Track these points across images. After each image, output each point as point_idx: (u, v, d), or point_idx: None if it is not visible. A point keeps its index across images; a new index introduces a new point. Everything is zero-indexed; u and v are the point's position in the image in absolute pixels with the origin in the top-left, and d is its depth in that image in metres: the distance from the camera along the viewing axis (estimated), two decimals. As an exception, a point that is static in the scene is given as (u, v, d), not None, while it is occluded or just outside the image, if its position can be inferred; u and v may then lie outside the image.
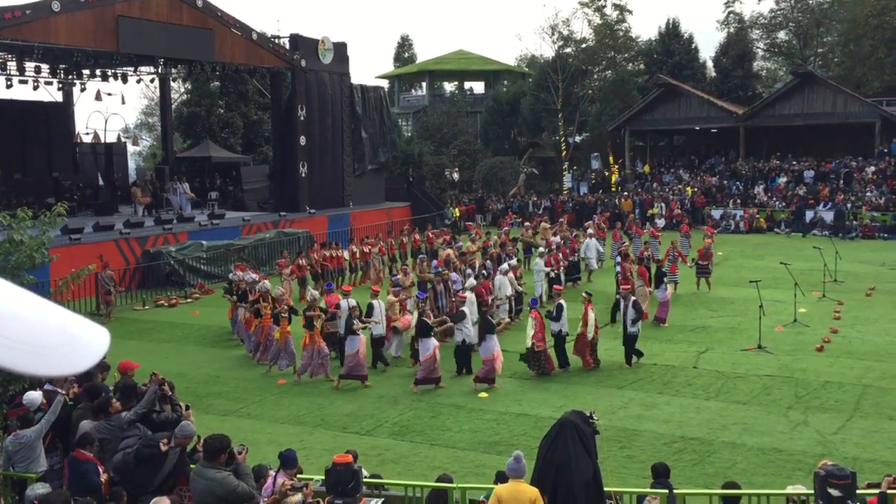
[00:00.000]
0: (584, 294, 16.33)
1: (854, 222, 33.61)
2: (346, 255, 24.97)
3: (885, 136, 39.71)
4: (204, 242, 26.06)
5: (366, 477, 8.52)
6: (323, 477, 8.06)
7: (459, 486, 8.46)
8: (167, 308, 22.89)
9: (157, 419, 8.92)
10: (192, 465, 7.70)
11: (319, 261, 23.81)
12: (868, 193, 35.27)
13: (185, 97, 45.89)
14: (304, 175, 32.53)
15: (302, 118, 32.19)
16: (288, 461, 7.92)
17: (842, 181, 37.45)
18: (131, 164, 44.29)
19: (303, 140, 32.32)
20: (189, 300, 23.80)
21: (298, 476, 8.73)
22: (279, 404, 14.20)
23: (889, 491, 7.39)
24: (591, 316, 15.30)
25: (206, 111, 41.06)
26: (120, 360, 10.55)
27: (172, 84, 41.24)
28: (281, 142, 33.26)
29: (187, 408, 10.10)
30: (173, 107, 41.46)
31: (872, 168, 37.68)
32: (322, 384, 15.25)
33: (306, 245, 27.37)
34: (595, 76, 49.91)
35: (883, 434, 11.57)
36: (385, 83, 61.01)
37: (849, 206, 34.75)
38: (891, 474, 7.73)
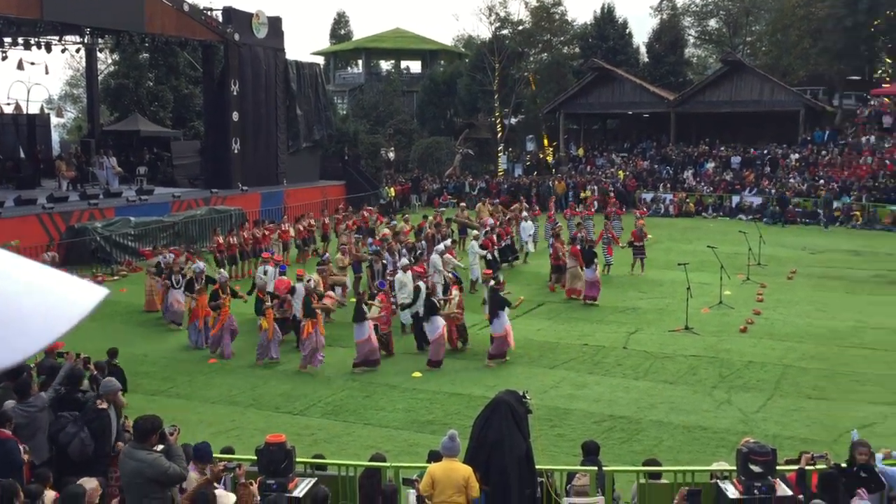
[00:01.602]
0: (450, 275, 16.48)
1: (777, 208, 34.66)
2: (275, 234, 24.61)
3: (808, 124, 41.02)
4: (132, 219, 25.38)
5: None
6: (255, 457, 8.01)
7: (393, 465, 8.50)
8: (93, 286, 22.25)
9: (82, 399, 8.69)
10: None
11: (249, 239, 23.48)
12: (791, 180, 36.40)
13: (112, 68, 44.44)
14: (236, 151, 31.92)
15: (235, 93, 31.55)
16: (201, 455, 7.78)
17: (767, 167, 38.57)
18: (55, 137, 42.77)
19: (235, 116, 31.69)
20: (116, 278, 23.18)
21: (230, 457, 8.65)
22: (210, 384, 14.00)
23: (807, 467, 7.70)
24: (456, 299, 15.42)
25: (135, 83, 39.89)
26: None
27: (99, 55, 39.83)
28: (213, 117, 32.56)
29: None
30: (100, 78, 40.12)
31: (796, 155, 38.88)
32: (254, 365, 15.07)
33: (237, 223, 26.91)
34: (531, 58, 50.15)
35: (801, 413, 12.02)
36: (320, 60, 60.16)
37: (773, 191, 35.82)
38: (809, 451, 8.06)
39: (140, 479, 6.27)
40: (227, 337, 15.59)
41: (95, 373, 9.36)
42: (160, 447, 6.65)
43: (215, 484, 6.61)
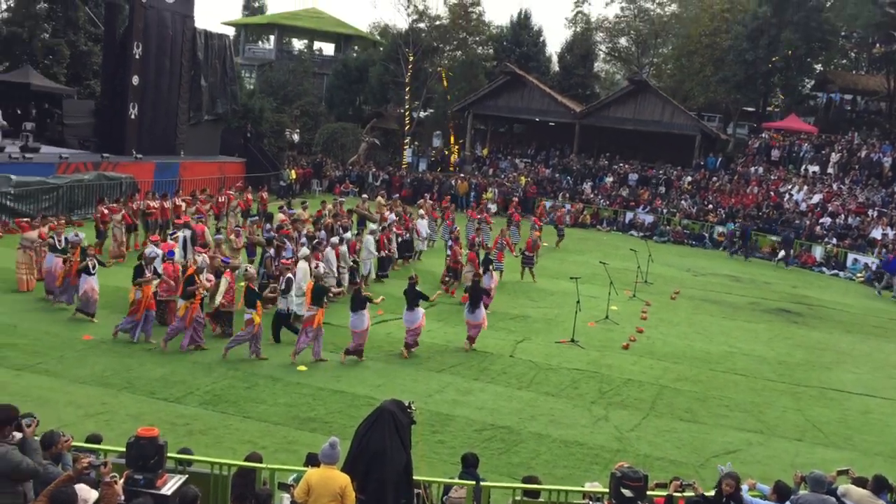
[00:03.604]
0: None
1: (667, 227, 35.93)
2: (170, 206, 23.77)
3: (703, 149, 42.68)
4: (12, 177, 23.93)
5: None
6: (123, 449, 7.66)
7: (268, 466, 8.30)
8: (-37, 245, 20.95)
9: None
10: None
11: (139, 211, 22.56)
12: (683, 202, 37.76)
13: (5, 15, 41.83)
14: (133, 117, 30.67)
15: (137, 56, 30.27)
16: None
17: (661, 187, 39.89)
18: (-65, 79, 39.98)
19: (136, 80, 30.42)
20: (-11, 238, 21.91)
21: (96, 447, 8.25)
22: (82, 362, 13.35)
23: (675, 494, 7.95)
24: (224, 286, 15.42)
25: (29, 34, 37.67)
26: None
27: (-8, -2, 37.54)
28: (111, 78, 31.10)
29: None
30: (-9, 23, 37.77)
31: (689, 178, 40.38)
32: (131, 344, 14.48)
33: (127, 192, 25.82)
34: (445, 55, 50.24)
35: (673, 434, 12.44)
36: (231, 31, 58.53)
37: (664, 211, 37.10)
38: (678, 477, 8.31)
39: (-10, 473, 5.89)
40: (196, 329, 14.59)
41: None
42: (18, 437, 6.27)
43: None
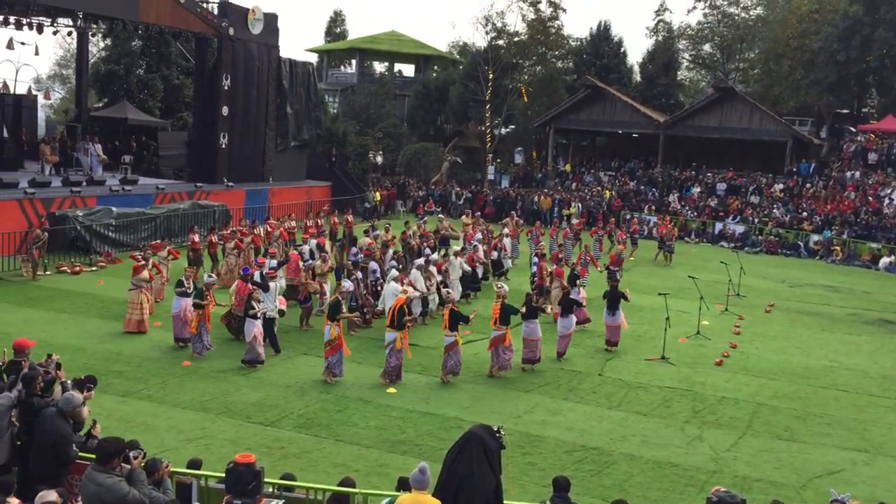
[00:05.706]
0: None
1: (759, 237, 34.90)
2: (261, 232, 24.43)
3: (795, 155, 41.35)
4: (114, 209, 25.14)
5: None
6: (223, 474, 7.92)
7: (361, 491, 8.42)
8: (69, 275, 22.03)
9: (37, 404, 8.46)
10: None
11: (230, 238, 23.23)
12: (775, 210, 36.64)
13: (103, 53, 44.06)
14: (224, 146, 31.76)
15: (226, 87, 31.40)
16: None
17: (752, 196, 38.80)
18: (41, 116, 42.36)
19: (225, 110, 31.53)
20: (94, 269, 22.96)
21: (198, 471, 8.54)
22: (183, 388, 13.83)
23: (774, 519, 7.69)
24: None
25: (126, 70, 39.56)
26: (14, 330, 10.10)
27: (91, 38, 39.52)
28: (202, 110, 32.35)
29: (88, 389, 9.73)
30: (90, 62, 39.77)
31: (780, 186, 39.17)
32: (228, 369, 14.93)
33: (221, 220, 26.70)
34: (525, 70, 50.24)
35: (772, 454, 12.04)
36: (314, 57, 60.07)
37: (755, 221, 36.07)
38: (779, 500, 8.04)
39: (99, 504, 6.18)
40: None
41: (64, 380, 9.17)
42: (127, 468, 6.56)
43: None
